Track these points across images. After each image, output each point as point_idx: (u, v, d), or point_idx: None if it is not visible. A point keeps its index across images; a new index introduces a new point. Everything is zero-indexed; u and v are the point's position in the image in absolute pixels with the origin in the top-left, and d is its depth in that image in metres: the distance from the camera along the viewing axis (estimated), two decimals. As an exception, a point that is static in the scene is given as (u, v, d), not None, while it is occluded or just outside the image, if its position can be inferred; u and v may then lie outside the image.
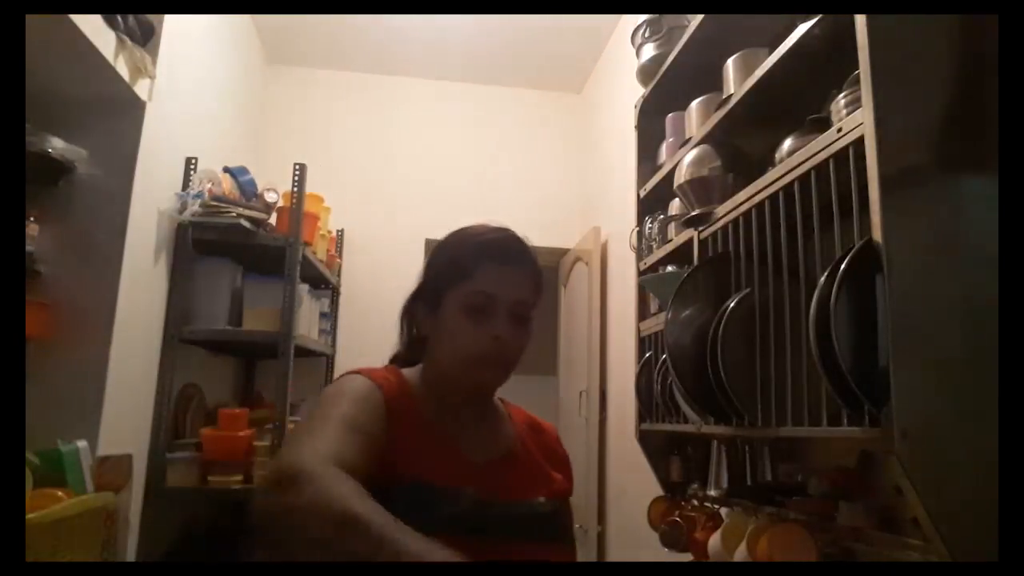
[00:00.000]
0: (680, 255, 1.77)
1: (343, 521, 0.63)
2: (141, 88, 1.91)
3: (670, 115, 1.91)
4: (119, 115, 1.92)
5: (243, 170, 2.49)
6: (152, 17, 1.96)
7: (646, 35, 1.97)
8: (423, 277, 1.01)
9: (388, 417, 0.87)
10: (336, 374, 3.18)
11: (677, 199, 1.76)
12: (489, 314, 0.92)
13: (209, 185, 2.28)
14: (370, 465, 0.78)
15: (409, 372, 0.99)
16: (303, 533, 0.65)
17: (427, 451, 0.90)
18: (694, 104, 1.70)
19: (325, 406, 0.85)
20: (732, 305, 1.29)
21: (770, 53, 1.29)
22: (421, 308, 0.99)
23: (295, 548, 0.66)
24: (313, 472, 0.68)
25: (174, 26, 2.14)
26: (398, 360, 1.04)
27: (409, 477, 0.84)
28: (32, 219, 1.69)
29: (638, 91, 2.09)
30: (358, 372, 0.93)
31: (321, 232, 2.83)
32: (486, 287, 0.92)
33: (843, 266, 0.95)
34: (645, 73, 2.00)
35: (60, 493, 1.42)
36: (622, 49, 2.77)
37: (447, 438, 0.94)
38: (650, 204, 2.00)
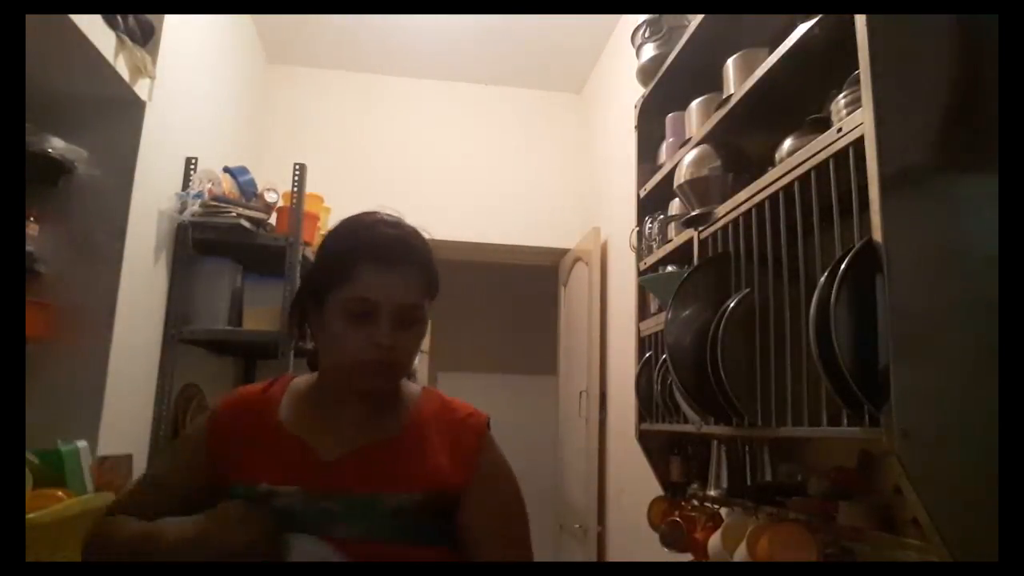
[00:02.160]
0: (680, 255, 1.77)
1: (109, 544, 0.90)
2: (141, 88, 1.91)
3: (670, 115, 1.91)
4: (119, 115, 1.91)
5: (243, 170, 2.49)
6: (152, 17, 1.96)
7: (646, 35, 1.97)
8: (308, 272, 0.99)
9: (209, 441, 0.95)
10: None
11: (677, 199, 1.76)
12: (372, 320, 0.87)
13: (209, 185, 2.28)
14: (191, 487, 0.93)
15: (299, 376, 1.02)
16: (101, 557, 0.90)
17: (260, 456, 0.92)
18: (694, 104, 1.70)
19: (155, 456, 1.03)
20: (732, 305, 1.29)
21: (770, 53, 1.29)
22: (309, 305, 0.94)
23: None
24: (98, 525, 0.93)
25: (174, 26, 2.14)
26: (313, 359, 1.03)
27: (233, 482, 0.91)
28: (32, 219, 1.69)
29: (638, 91, 2.09)
30: (211, 408, 1.01)
31: (321, 232, 2.83)
32: (367, 292, 0.87)
33: (843, 266, 0.95)
34: (645, 73, 2.00)
35: (60, 493, 1.42)
36: (622, 49, 2.77)
37: (290, 438, 0.92)
38: (650, 204, 2.00)
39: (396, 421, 0.96)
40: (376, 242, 0.89)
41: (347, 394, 0.94)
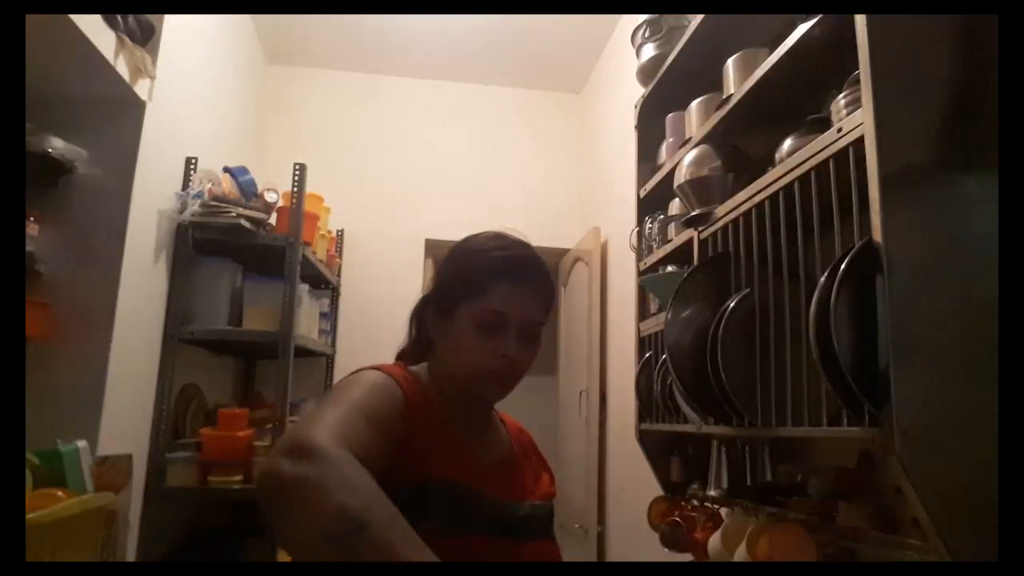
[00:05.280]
0: (680, 255, 1.77)
1: (345, 513, 0.59)
2: (141, 88, 1.91)
3: (670, 115, 1.91)
4: (119, 115, 1.92)
5: (243, 170, 2.49)
6: (152, 17, 1.96)
7: (646, 35, 1.98)
8: (437, 283, 1.00)
9: (407, 413, 0.85)
10: (336, 374, 3.19)
11: (677, 199, 1.76)
12: (500, 332, 0.92)
13: (209, 185, 2.28)
14: (384, 458, 0.76)
15: (418, 370, 0.99)
16: (306, 509, 0.60)
17: (446, 451, 0.90)
18: (694, 104, 1.70)
19: (341, 391, 0.82)
20: (732, 305, 1.29)
21: (770, 53, 1.29)
22: (432, 313, 0.98)
23: (287, 521, 0.61)
24: (328, 453, 0.64)
25: (174, 26, 2.14)
26: (405, 357, 1.04)
27: (435, 476, 0.84)
28: (32, 219, 1.69)
29: (638, 91, 2.09)
30: (375, 368, 0.90)
31: (321, 232, 2.83)
32: (499, 306, 0.91)
33: (843, 266, 0.95)
34: (645, 73, 2.00)
35: (60, 493, 1.42)
36: (622, 49, 2.77)
37: (461, 439, 0.94)
38: (650, 204, 2.00)
39: (505, 433, 1.07)
40: (512, 259, 0.95)
41: (463, 399, 0.97)
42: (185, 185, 2.30)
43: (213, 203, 2.25)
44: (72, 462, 1.54)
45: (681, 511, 1.75)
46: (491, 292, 0.91)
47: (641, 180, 2.05)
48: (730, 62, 1.49)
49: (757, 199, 1.30)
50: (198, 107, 2.48)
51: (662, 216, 1.93)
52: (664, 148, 1.95)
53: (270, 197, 2.46)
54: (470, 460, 0.93)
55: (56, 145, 1.73)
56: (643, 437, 1.91)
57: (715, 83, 1.56)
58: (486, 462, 0.96)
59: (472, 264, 0.95)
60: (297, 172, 2.48)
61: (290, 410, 2.37)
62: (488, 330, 0.91)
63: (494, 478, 0.94)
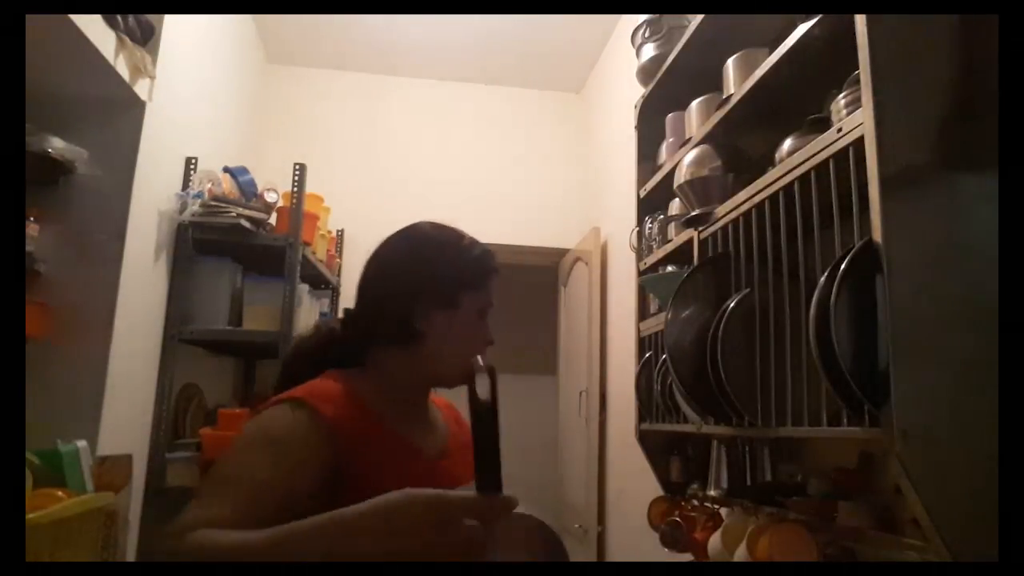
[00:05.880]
0: (680, 255, 1.77)
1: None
2: (141, 88, 1.91)
3: (670, 115, 1.91)
4: (119, 115, 1.92)
5: (243, 170, 2.49)
6: (152, 17, 1.96)
7: (646, 35, 1.98)
8: (435, 273, 0.99)
9: (333, 440, 0.83)
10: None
11: (677, 199, 1.76)
12: (485, 322, 1.01)
13: (209, 185, 2.28)
14: (313, 494, 0.78)
15: (350, 374, 0.95)
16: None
17: (387, 456, 0.89)
18: (694, 104, 1.70)
19: (243, 454, 0.80)
20: (732, 305, 1.29)
21: (770, 53, 1.29)
22: (428, 303, 0.97)
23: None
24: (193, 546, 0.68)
25: (174, 26, 2.14)
26: (342, 364, 0.98)
27: (372, 491, 0.79)
28: (32, 219, 1.69)
29: (638, 91, 2.09)
30: (294, 399, 0.85)
31: (321, 232, 2.83)
32: (491, 298, 1.01)
33: (843, 266, 0.95)
34: (645, 73, 2.00)
35: (60, 493, 1.42)
36: (622, 49, 2.77)
37: (400, 437, 0.94)
38: (650, 204, 2.00)
39: (443, 420, 1.07)
40: (492, 256, 1.04)
41: (427, 389, 1.03)
42: (185, 185, 2.30)
43: (213, 203, 2.25)
44: (72, 462, 1.54)
45: (681, 511, 1.75)
46: (488, 284, 1.01)
47: (641, 180, 2.05)
48: (730, 62, 1.49)
49: (757, 199, 1.30)
50: (198, 107, 2.48)
51: (662, 216, 1.93)
52: (664, 148, 1.95)
53: (270, 197, 2.46)
54: (411, 458, 0.93)
55: (56, 145, 1.73)
56: (643, 437, 1.91)
57: (715, 83, 1.56)
58: (429, 455, 0.97)
59: (471, 255, 1.01)
60: (297, 172, 2.48)
61: (290, 410, 2.36)
62: (482, 319, 1.00)
63: (436, 471, 0.95)
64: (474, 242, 1.04)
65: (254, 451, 0.80)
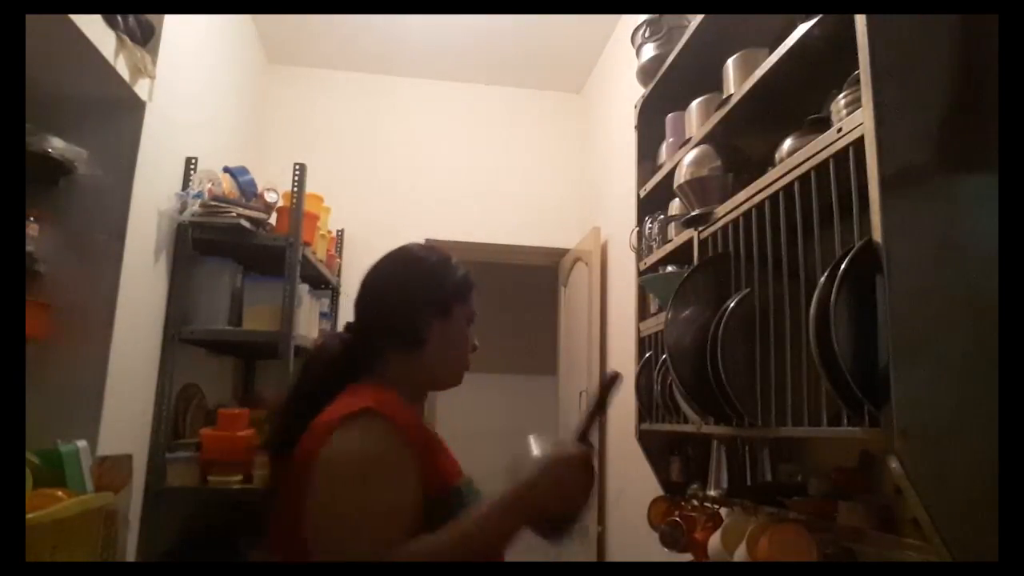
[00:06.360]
0: (680, 255, 1.77)
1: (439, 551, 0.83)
2: (141, 88, 1.91)
3: (670, 115, 1.91)
4: (119, 115, 1.91)
5: (243, 170, 2.49)
6: (152, 17, 1.96)
7: (646, 35, 1.97)
8: (435, 285, 1.09)
9: (410, 446, 0.93)
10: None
11: (677, 199, 1.76)
12: (470, 330, 1.12)
13: (209, 185, 2.28)
14: (420, 499, 0.90)
15: (380, 384, 1.01)
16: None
17: (440, 453, 1.01)
18: (694, 104, 1.70)
19: (359, 489, 0.87)
20: (732, 305, 1.29)
21: (770, 53, 1.29)
22: (430, 314, 1.06)
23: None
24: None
25: (174, 26, 2.14)
26: (377, 373, 1.04)
27: (451, 484, 0.97)
28: (32, 219, 1.69)
29: (638, 91, 2.09)
30: (368, 411, 0.91)
31: (321, 232, 2.83)
32: (474, 309, 1.13)
33: (843, 266, 0.95)
34: (645, 73, 2.00)
35: (60, 493, 1.42)
36: (622, 49, 2.77)
37: (436, 436, 1.05)
38: (650, 204, 2.00)
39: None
40: (468, 271, 1.14)
41: (423, 393, 1.13)
42: (185, 185, 2.30)
43: (213, 203, 2.25)
44: (72, 462, 1.54)
45: (681, 511, 1.75)
46: (471, 295, 1.12)
47: (641, 180, 2.05)
48: (730, 62, 1.49)
49: (757, 199, 1.30)
50: (198, 107, 2.48)
51: (662, 216, 1.93)
52: (664, 148, 1.95)
53: (270, 197, 2.46)
54: (449, 454, 1.04)
55: (56, 145, 1.73)
56: (643, 437, 1.91)
57: (715, 83, 1.56)
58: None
59: (459, 270, 1.13)
60: (297, 172, 2.47)
61: (290, 410, 2.36)
62: (468, 328, 1.12)
63: (455, 461, 1.05)
64: (457, 261, 1.15)
65: (368, 474, 0.89)
